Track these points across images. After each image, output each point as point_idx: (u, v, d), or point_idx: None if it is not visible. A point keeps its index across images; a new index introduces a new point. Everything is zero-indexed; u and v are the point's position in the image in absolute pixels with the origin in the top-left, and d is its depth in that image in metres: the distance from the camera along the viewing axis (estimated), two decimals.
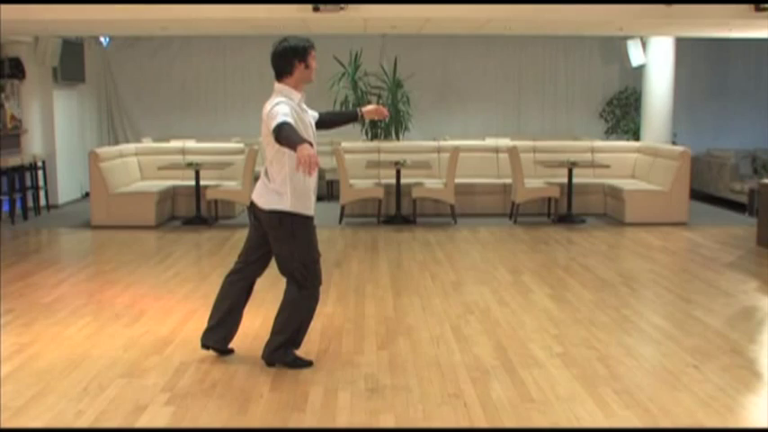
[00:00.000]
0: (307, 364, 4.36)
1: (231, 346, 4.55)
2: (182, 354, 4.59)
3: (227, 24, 8.86)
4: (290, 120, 3.91)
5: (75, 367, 4.35)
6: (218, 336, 4.47)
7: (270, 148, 4.08)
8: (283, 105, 4.00)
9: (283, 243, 4.18)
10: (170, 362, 4.45)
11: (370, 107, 4.65)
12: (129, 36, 12.50)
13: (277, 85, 4.17)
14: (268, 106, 4.04)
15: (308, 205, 4.19)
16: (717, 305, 5.75)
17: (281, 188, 4.11)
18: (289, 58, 4.11)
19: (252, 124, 12.83)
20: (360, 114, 4.64)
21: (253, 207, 4.31)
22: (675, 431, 3.55)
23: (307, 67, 4.16)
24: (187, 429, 3.57)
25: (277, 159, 4.10)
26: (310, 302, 4.31)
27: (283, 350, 4.33)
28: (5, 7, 7.46)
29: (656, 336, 5.01)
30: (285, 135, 3.79)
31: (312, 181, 4.20)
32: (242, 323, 4.57)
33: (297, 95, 4.16)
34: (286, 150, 3.96)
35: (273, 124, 3.86)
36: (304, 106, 4.28)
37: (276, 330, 4.34)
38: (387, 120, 4.57)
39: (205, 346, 4.50)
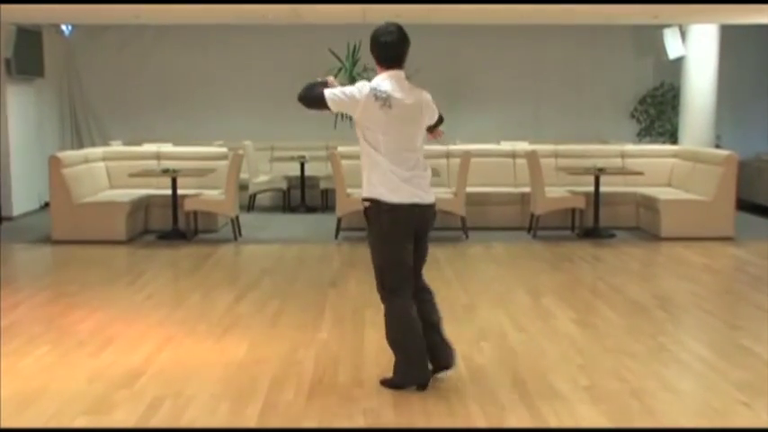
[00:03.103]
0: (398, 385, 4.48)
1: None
2: (155, 387, 4.57)
3: (209, 12, 8.90)
4: None
5: (30, 403, 4.33)
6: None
7: (421, 137, 4.50)
8: None
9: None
10: (141, 396, 4.43)
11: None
12: (95, 24, 12.56)
13: (402, 73, 4.46)
14: (429, 97, 4.55)
15: None
16: None
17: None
18: (409, 46, 4.48)
19: (237, 126, 12.90)
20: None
21: (414, 210, 4.38)
22: (679, 431, 3.49)
23: None
24: (187, 429, 3.77)
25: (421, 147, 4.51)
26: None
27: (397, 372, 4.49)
28: None
29: (697, 367, 4.99)
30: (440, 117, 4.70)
31: None
32: (226, 351, 4.65)
33: None
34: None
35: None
36: None
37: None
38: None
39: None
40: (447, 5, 8.57)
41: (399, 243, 4.40)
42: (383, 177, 4.33)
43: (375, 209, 4.39)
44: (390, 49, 4.39)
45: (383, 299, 4.49)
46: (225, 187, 9.52)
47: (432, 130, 4.72)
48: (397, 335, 4.46)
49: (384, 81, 4.37)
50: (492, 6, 8.52)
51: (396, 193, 4.31)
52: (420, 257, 4.57)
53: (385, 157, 4.32)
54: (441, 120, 4.73)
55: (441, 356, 4.58)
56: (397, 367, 4.48)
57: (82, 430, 3.95)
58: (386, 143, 4.32)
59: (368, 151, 4.37)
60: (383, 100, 4.28)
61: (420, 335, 4.44)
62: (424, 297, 4.63)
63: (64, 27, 12.65)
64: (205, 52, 13.07)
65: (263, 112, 12.97)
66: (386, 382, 4.51)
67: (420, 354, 4.45)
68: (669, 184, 10.53)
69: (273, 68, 12.71)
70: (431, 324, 4.58)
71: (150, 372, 4.84)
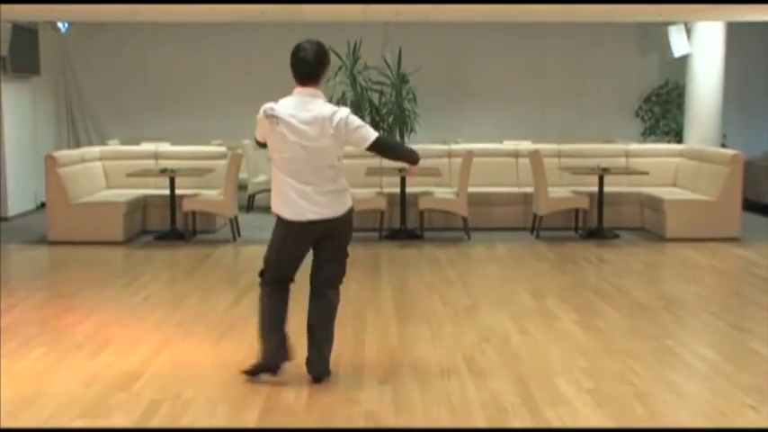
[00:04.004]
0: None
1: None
2: (152, 390, 4.58)
3: (208, 10, 8.90)
4: None
5: (26, 407, 4.34)
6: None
7: (336, 152, 4.56)
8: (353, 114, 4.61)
9: (348, 240, 4.75)
10: (138, 399, 4.43)
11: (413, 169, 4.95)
12: (92, 22, 12.56)
13: (312, 90, 4.58)
14: (332, 112, 4.50)
15: None
16: None
17: (346, 186, 4.67)
18: (325, 65, 4.62)
19: (236, 125, 12.88)
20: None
21: (310, 225, 4.54)
22: (679, 431, 3.49)
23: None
24: (187, 429, 3.84)
25: (340, 163, 4.63)
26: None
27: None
28: None
29: (703, 370, 4.99)
30: (399, 147, 5.17)
31: None
32: (224, 354, 4.80)
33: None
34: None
35: (373, 136, 4.56)
36: None
37: (329, 340, 4.75)
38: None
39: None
40: (447, 5, 8.57)
41: (289, 250, 4.66)
42: (279, 192, 4.57)
43: (277, 218, 4.64)
44: (302, 66, 4.54)
45: (259, 284, 4.76)
46: (224, 187, 9.52)
47: (403, 161, 4.94)
48: (259, 318, 4.75)
49: (284, 99, 4.57)
50: (493, 5, 8.52)
51: (288, 208, 4.53)
52: (325, 260, 4.70)
53: (280, 172, 4.54)
54: (409, 156, 4.83)
55: (312, 366, 4.72)
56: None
57: (81, 430, 3.98)
58: (280, 159, 4.53)
59: (273, 166, 4.64)
60: (271, 118, 4.50)
61: (273, 323, 4.68)
62: (319, 302, 4.76)
63: (60, 25, 12.65)
64: (203, 50, 13.06)
65: None
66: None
67: (267, 339, 4.69)
68: (674, 184, 10.52)
69: (273, 67, 12.55)
70: (312, 330, 4.74)
71: (147, 374, 4.84)
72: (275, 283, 4.70)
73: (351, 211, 4.67)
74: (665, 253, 8.87)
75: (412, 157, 4.81)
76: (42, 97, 12.35)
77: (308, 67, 4.53)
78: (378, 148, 4.64)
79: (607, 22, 12.30)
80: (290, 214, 4.53)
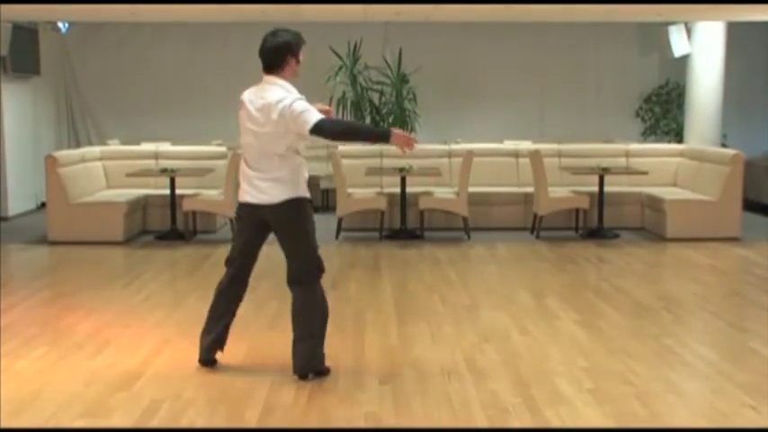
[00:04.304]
0: (326, 372, 4.80)
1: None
2: (153, 390, 4.58)
3: (208, 10, 8.90)
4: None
5: (26, 406, 4.34)
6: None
7: (281, 140, 4.55)
8: (304, 101, 4.57)
9: (301, 234, 4.68)
10: (139, 399, 4.43)
11: (398, 131, 4.69)
12: (92, 22, 12.56)
13: (273, 78, 4.64)
14: (278, 99, 4.51)
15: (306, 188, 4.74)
16: None
17: (294, 177, 4.62)
18: (283, 54, 4.63)
19: (236, 125, 12.87)
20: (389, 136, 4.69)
21: (250, 209, 4.68)
22: (679, 431, 3.49)
23: (297, 62, 4.70)
24: (187, 429, 3.88)
25: (291, 150, 4.60)
26: (321, 293, 4.79)
27: (321, 354, 4.75)
28: None
29: (703, 370, 4.99)
30: (352, 128, 4.96)
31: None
32: (224, 354, 4.80)
33: (293, 89, 4.65)
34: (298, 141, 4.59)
35: (313, 119, 4.45)
36: None
37: (303, 338, 4.71)
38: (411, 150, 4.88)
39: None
40: (447, 5, 8.57)
41: (237, 233, 4.93)
42: (240, 174, 4.77)
43: None
44: (260, 55, 4.68)
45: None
46: (224, 187, 9.52)
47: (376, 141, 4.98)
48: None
49: (252, 87, 4.75)
50: (493, 5, 8.51)
51: (240, 190, 4.74)
52: (285, 256, 4.77)
53: (243, 156, 4.76)
54: (370, 134, 5.01)
55: (294, 359, 4.76)
56: None
57: (82, 430, 3.99)
58: (242, 143, 4.74)
59: None
60: (240, 103, 4.73)
61: (216, 312, 4.88)
62: (292, 300, 4.81)
63: (60, 25, 12.65)
64: (203, 50, 13.06)
65: None
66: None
67: (206, 326, 4.90)
68: (674, 184, 10.52)
69: None
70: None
71: (148, 374, 4.84)
72: (231, 271, 4.84)
73: (294, 202, 4.61)
74: (666, 253, 8.87)
75: (376, 135, 4.88)
76: (42, 97, 12.35)
77: (264, 55, 4.65)
78: (321, 132, 4.49)
79: (607, 22, 12.31)
80: (240, 196, 4.73)
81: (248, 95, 4.70)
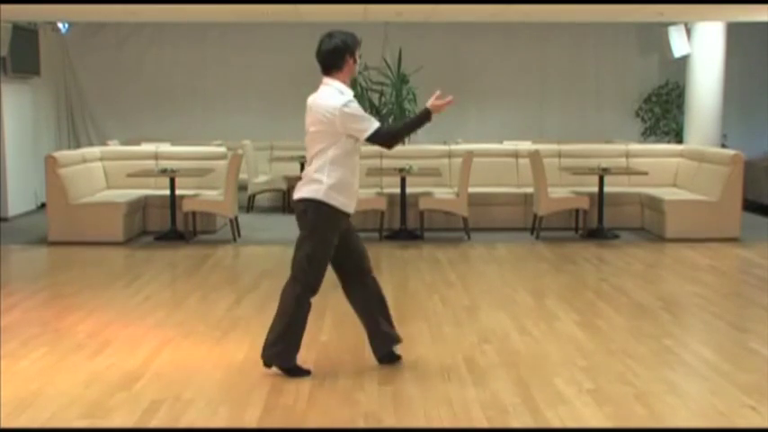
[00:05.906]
0: (293, 371, 4.72)
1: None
2: (153, 390, 4.58)
3: (208, 10, 8.91)
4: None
5: (26, 407, 4.34)
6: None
7: (326, 141, 4.61)
8: (357, 104, 4.68)
9: (306, 234, 4.70)
10: (139, 400, 4.43)
11: (435, 104, 4.92)
12: (92, 22, 12.57)
13: (330, 80, 4.73)
14: (334, 102, 4.59)
15: (343, 201, 4.67)
16: None
17: (325, 179, 4.62)
18: (341, 55, 4.72)
19: (236, 125, 12.91)
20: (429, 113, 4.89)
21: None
22: (678, 431, 3.49)
23: (355, 62, 4.83)
24: (187, 429, 3.90)
25: (328, 156, 4.64)
26: (299, 301, 4.76)
27: (284, 351, 4.72)
28: None
29: (703, 370, 4.99)
30: (400, 131, 4.86)
31: (356, 177, 4.78)
32: (225, 354, 4.81)
33: (349, 91, 4.75)
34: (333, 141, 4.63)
35: (371, 129, 4.60)
36: None
37: (273, 329, 4.76)
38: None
39: None
40: (447, 5, 8.58)
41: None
42: None
43: None
44: (319, 57, 4.77)
45: None
46: (224, 187, 9.52)
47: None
48: None
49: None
50: (493, 5, 8.52)
51: None
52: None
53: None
54: (415, 126, 4.93)
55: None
56: None
57: (82, 430, 4.00)
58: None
59: None
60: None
61: (364, 319, 5.01)
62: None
63: (60, 25, 12.65)
64: (203, 50, 13.07)
65: (262, 111, 12.96)
66: None
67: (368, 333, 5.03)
68: (674, 185, 10.52)
69: (273, 67, 12.70)
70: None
71: (148, 375, 4.84)
72: (339, 277, 5.04)
73: (309, 202, 4.63)
74: (665, 253, 8.87)
75: (421, 122, 4.89)
76: (42, 97, 12.35)
77: (322, 57, 4.73)
78: (379, 137, 4.67)
79: (607, 22, 12.31)
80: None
81: (310, 98, 4.78)
